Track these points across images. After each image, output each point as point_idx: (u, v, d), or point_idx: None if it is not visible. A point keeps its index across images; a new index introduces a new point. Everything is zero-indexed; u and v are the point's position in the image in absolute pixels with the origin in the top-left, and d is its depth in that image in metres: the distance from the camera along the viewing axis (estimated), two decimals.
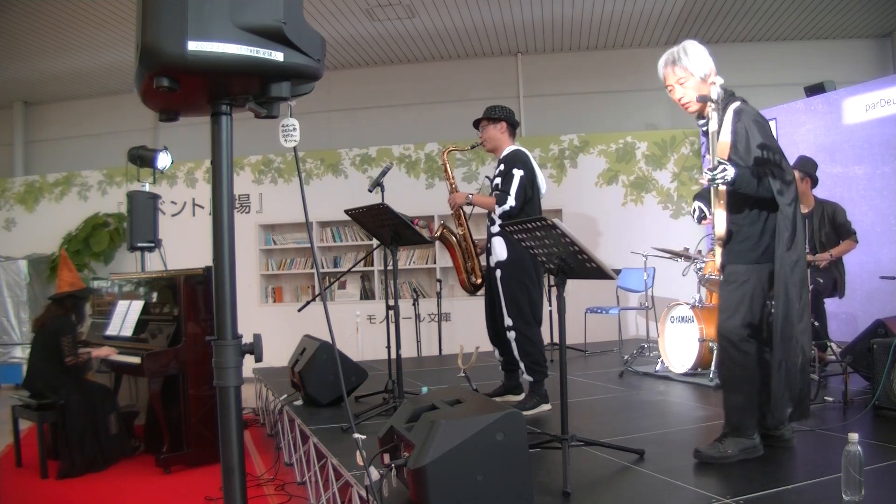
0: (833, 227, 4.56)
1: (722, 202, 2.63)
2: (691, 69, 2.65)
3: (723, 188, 2.53)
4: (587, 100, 8.19)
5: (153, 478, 3.81)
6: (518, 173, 3.65)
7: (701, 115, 2.73)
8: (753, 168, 2.50)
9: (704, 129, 2.73)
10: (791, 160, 4.79)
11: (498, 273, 3.72)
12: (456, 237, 4.06)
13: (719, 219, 2.65)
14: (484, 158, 7.46)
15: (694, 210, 2.84)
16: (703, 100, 2.59)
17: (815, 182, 4.70)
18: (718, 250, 2.74)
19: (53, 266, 7.80)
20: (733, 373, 2.59)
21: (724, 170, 2.45)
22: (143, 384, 4.41)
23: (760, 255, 2.58)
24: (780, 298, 2.52)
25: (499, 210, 3.66)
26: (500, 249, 3.72)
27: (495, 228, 3.76)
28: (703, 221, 2.78)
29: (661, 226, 7.21)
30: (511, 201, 3.63)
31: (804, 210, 4.68)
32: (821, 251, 4.52)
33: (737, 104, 2.62)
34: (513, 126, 3.88)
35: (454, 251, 4.07)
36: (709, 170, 2.49)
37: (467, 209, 4.00)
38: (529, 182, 3.69)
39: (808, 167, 4.66)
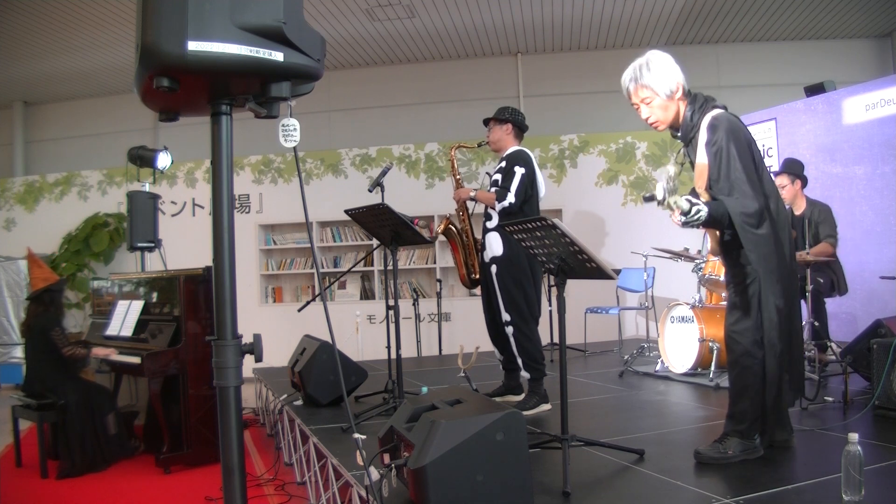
0: (817, 228, 4.56)
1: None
2: (655, 88, 2.49)
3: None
4: (587, 100, 8.19)
5: (153, 478, 3.81)
6: (520, 171, 3.67)
7: (674, 126, 2.62)
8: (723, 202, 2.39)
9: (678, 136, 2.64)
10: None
11: (493, 269, 3.73)
12: (459, 233, 4.08)
13: (711, 240, 2.64)
14: (484, 158, 7.46)
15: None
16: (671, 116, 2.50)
17: (804, 183, 4.70)
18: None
19: (53, 266, 7.80)
20: (742, 377, 2.53)
21: (698, 212, 2.29)
22: (143, 384, 4.42)
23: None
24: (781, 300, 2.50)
25: (498, 206, 3.67)
26: (495, 245, 3.73)
27: (491, 224, 3.77)
28: (708, 252, 2.68)
29: (661, 226, 7.18)
30: (511, 198, 3.64)
31: (797, 212, 4.68)
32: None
33: (709, 117, 2.47)
34: (520, 129, 3.90)
35: (456, 247, 4.09)
36: (683, 214, 2.30)
37: (470, 204, 4.03)
38: (530, 181, 3.71)
39: (796, 169, 4.66)
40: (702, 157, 2.48)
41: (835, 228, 4.56)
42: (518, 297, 3.66)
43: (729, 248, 2.55)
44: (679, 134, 2.63)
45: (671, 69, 2.51)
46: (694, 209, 2.29)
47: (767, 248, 2.43)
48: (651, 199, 2.33)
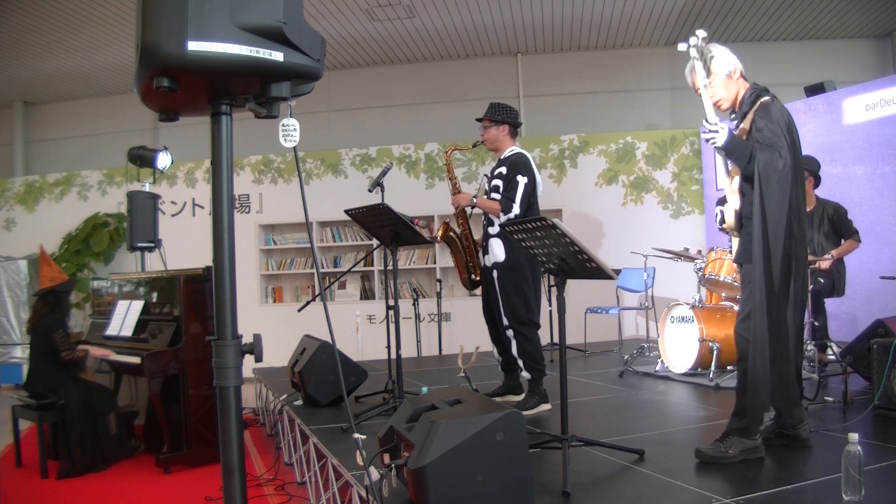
0: (833, 226, 4.56)
1: (735, 194, 2.66)
2: (715, 69, 2.72)
3: (734, 184, 2.61)
4: (587, 100, 8.18)
5: (153, 478, 3.81)
6: (522, 180, 3.67)
7: (734, 110, 2.80)
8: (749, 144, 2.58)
9: (734, 121, 2.79)
10: None
11: (495, 274, 3.73)
12: (458, 237, 4.07)
13: (729, 209, 2.68)
14: (483, 158, 7.46)
15: (716, 215, 2.82)
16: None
17: (818, 181, 4.70)
18: (735, 241, 2.75)
19: None
20: (745, 374, 2.55)
21: (717, 131, 2.55)
22: (143, 384, 4.41)
23: None
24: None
25: (503, 217, 3.67)
26: (497, 251, 3.73)
27: (493, 230, 3.77)
28: (724, 226, 2.77)
29: (661, 226, 7.21)
30: (516, 209, 3.65)
31: (807, 209, 4.68)
32: (819, 251, 4.52)
33: (765, 98, 2.69)
34: (515, 127, 3.89)
35: (456, 250, 4.08)
36: (707, 122, 2.59)
37: (469, 210, 4.02)
38: (532, 188, 3.71)
39: (811, 166, 4.66)
40: (745, 125, 2.71)
41: (853, 225, 4.57)
42: (518, 302, 3.67)
43: (748, 236, 2.63)
44: (735, 114, 2.81)
45: (729, 55, 2.77)
46: (717, 126, 2.56)
47: (783, 203, 2.52)
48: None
